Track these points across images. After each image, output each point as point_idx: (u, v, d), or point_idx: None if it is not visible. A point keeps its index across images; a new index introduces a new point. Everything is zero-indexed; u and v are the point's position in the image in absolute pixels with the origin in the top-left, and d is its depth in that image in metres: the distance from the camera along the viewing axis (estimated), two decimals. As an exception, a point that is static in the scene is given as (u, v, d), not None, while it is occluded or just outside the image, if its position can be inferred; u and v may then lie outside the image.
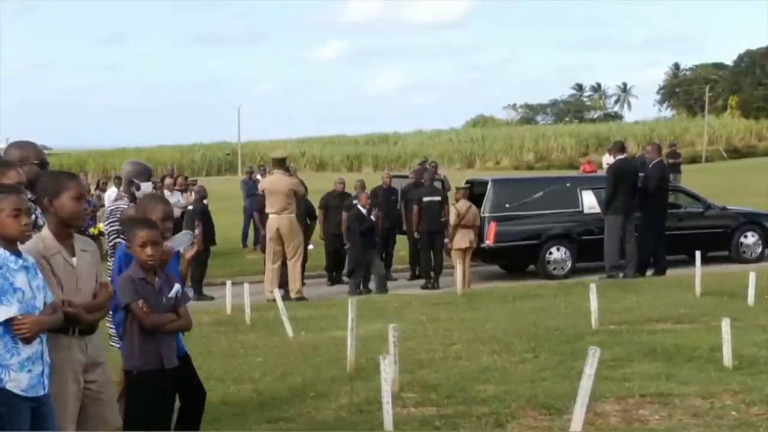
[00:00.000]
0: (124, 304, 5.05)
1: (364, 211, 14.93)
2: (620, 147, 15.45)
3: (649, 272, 14.46)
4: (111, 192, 16.63)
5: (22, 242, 4.25)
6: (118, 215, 6.56)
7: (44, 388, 4.19)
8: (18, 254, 4.17)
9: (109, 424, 4.74)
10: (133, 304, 5.00)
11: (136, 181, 6.78)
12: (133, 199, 6.74)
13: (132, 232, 5.14)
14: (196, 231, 6.30)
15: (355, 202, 15.21)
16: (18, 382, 4.06)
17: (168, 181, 17.80)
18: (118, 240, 6.48)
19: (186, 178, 20.84)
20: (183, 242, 5.78)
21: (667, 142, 53.39)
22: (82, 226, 4.82)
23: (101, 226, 6.93)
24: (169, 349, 5.17)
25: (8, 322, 4.03)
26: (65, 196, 4.58)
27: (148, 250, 5.05)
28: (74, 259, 4.60)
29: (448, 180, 18.24)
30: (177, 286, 5.23)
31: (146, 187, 6.90)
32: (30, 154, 5.53)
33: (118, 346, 6.29)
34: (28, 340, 4.08)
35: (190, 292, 5.41)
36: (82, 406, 4.60)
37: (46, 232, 4.61)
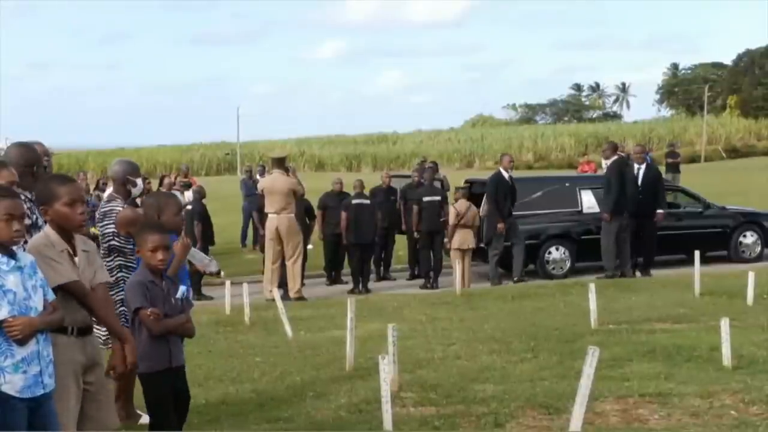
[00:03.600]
0: (134, 308, 5.08)
1: (506, 175, 14.87)
2: (614, 147, 15.56)
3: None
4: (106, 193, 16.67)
5: (13, 245, 4.22)
6: (113, 217, 6.53)
7: (43, 388, 4.17)
8: (11, 255, 4.16)
9: (107, 425, 4.73)
10: (142, 310, 5.03)
11: (131, 179, 6.78)
12: (127, 197, 6.74)
13: (143, 237, 5.18)
14: (217, 269, 6.42)
15: (499, 168, 15.00)
16: (13, 384, 4.04)
17: (167, 180, 17.81)
18: (114, 242, 6.47)
19: (186, 176, 20.84)
20: (202, 260, 5.92)
21: (666, 141, 53.49)
22: (81, 230, 4.78)
23: (96, 228, 6.92)
24: (177, 348, 5.26)
25: (0, 325, 4.03)
26: (58, 203, 4.55)
27: (159, 255, 5.11)
28: (76, 259, 4.60)
29: (447, 180, 18.23)
30: (182, 288, 5.29)
31: (139, 183, 6.91)
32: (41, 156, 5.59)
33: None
34: (20, 342, 4.07)
35: (189, 293, 5.47)
36: (80, 407, 4.60)
37: (50, 230, 4.59)
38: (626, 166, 14.93)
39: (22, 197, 5.17)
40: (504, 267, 16.88)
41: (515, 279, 14.86)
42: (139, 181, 6.87)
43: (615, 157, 14.99)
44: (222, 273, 6.55)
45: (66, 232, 4.59)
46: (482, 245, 15.57)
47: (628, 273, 14.24)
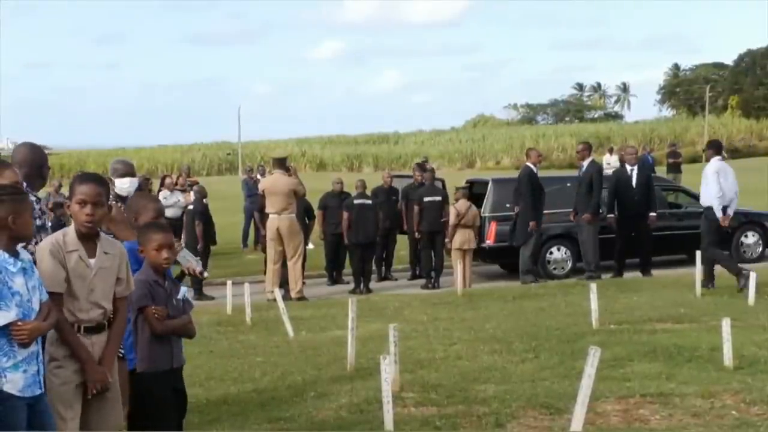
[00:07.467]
0: (138, 308, 5.07)
1: (535, 169, 14.77)
2: (589, 148, 15.62)
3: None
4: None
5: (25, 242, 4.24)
6: None
7: (40, 387, 4.20)
8: (16, 255, 4.17)
9: (113, 424, 4.73)
10: (147, 309, 5.03)
11: (112, 178, 6.87)
12: (115, 197, 6.79)
13: (147, 236, 5.16)
14: (201, 268, 6.34)
15: (528, 163, 14.88)
16: (14, 383, 4.07)
17: (168, 180, 17.82)
18: None
19: (188, 175, 20.85)
20: (189, 261, 5.93)
21: (668, 141, 53.48)
22: (86, 230, 4.67)
23: None
24: (178, 348, 5.27)
25: (6, 326, 4.05)
26: (73, 200, 4.60)
27: (164, 253, 5.10)
28: (92, 260, 4.56)
29: (444, 181, 18.14)
30: (183, 289, 5.29)
31: (125, 183, 6.96)
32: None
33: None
34: (25, 345, 4.09)
35: (190, 293, 5.48)
36: (87, 405, 4.59)
37: (71, 229, 4.62)
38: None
39: (31, 198, 5.16)
40: (505, 268, 16.91)
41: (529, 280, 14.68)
42: (121, 180, 6.91)
43: (591, 158, 15.07)
44: (206, 273, 6.49)
45: (81, 231, 4.58)
46: (482, 245, 15.58)
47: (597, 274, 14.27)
